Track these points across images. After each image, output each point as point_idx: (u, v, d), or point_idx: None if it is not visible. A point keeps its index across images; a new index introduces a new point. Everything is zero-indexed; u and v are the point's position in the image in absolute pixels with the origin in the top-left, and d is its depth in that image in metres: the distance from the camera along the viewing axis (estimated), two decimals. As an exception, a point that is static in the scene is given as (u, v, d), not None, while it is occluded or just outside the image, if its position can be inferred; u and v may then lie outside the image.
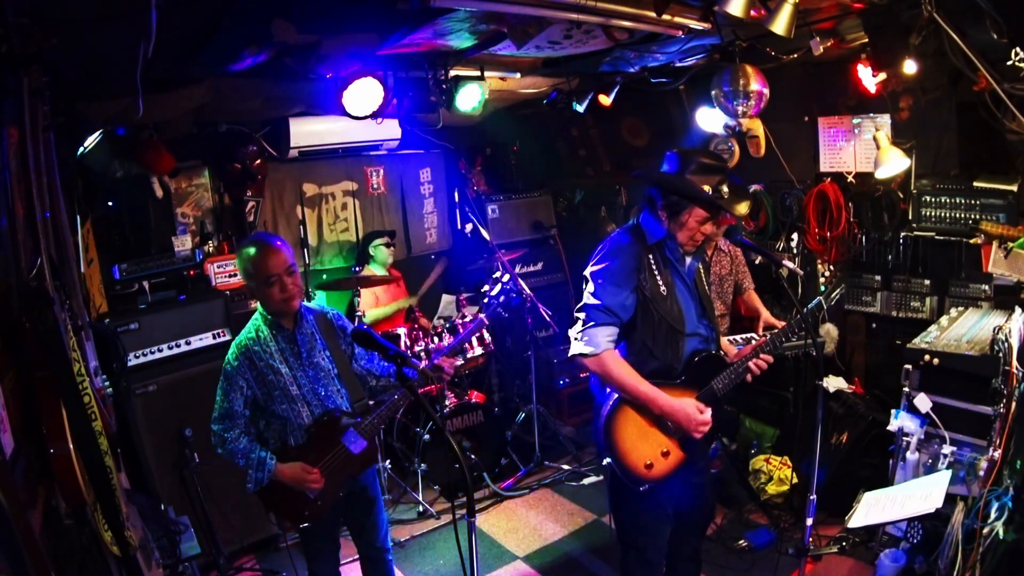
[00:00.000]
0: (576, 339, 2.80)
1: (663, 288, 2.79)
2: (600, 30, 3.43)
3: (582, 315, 2.80)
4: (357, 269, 5.64)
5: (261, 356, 2.88)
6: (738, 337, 4.22)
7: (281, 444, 2.96)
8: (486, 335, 5.26)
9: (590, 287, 2.81)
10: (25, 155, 2.02)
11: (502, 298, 3.58)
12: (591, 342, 2.76)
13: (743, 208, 2.89)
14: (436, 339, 5.09)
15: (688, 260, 2.91)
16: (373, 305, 5.40)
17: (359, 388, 3.10)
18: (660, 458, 2.84)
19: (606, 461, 2.86)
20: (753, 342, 3.15)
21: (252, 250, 2.87)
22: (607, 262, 2.81)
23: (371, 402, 3.14)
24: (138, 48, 2.48)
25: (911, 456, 3.62)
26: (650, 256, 2.81)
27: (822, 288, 3.08)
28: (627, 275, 2.76)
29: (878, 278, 4.55)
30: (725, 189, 2.76)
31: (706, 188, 2.74)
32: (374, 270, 5.53)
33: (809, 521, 2.82)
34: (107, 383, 2.97)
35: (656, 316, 2.78)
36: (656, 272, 2.80)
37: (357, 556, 3.36)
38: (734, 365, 2.88)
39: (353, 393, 3.07)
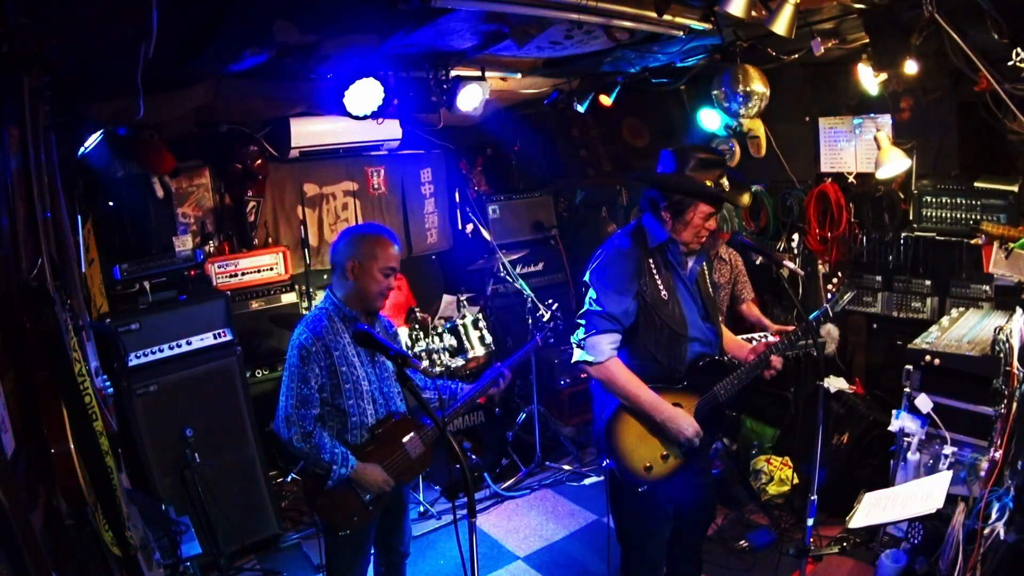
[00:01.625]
0: (579, 347, 2.80)
1: (664, 293, 2.78)
2: (601, 30, 3.43)
3: (584, 322, 2.79)
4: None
5: (335, 346, 2.78)
6: (741, 337, 4.22)
7: (339, 440, 2.84)
8: (487, 335, 5.26)
9: (591, 294, 2.80)
10: (26, 155, 2.02)
11: (552, 324, 3.63)
12: (594, 350, 2.75)
13: (745, 199, 2.90)
14: (437, 339, 5.09)
15: (690, 263, 2.90)
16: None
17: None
18: (659, 461, 2.84)
19: (606, 462, 2.86)
20: (754, 343, 3.15)
21: (381, 236, 2.87)
22: (608, 268, 2.80)
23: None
24: (139, 48, 2.48)
25: (912, 456, 3.62)
26: (651, 260, 2.80)
27: (829, 296, 3.07)
28: (628, 281, 2.75)
29: (879, 278, 4.55)
30: (725, 182, 2.76)
31: (707, 183, 2.74)
32: None
33: (810, 521, 2.81)
34: (108, 383, 2.97)
35: (658, 321, 2.78)
36: (657, 276, 2.79)
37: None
38: (737, 372, 2.88)
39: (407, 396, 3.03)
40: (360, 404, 2.83)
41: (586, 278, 2.87)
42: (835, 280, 3.08)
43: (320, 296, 5.42)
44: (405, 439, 2.92)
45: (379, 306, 2.91)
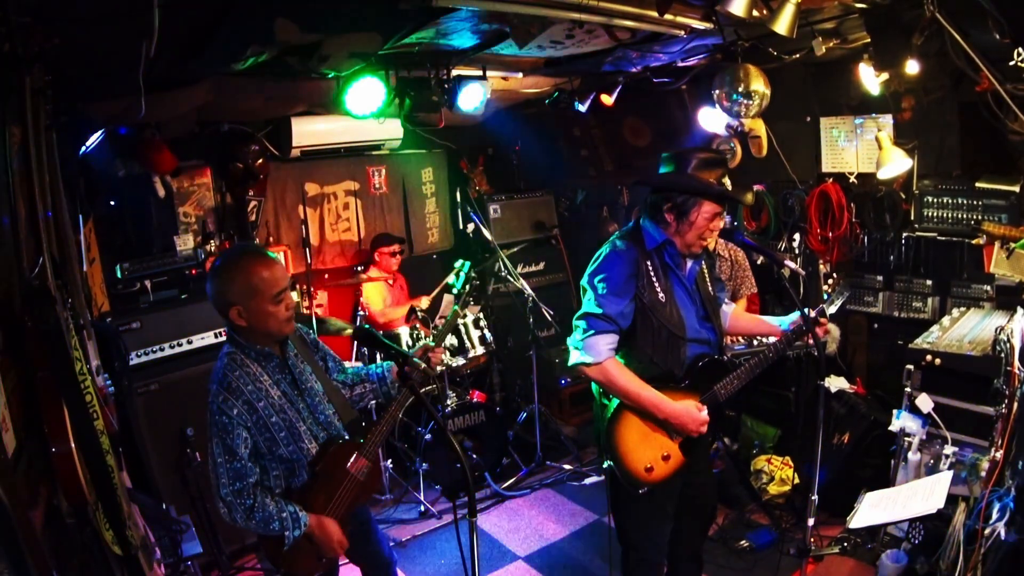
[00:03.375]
0: (576, 348, 2.79)
1: (661, 295, 2.77)
2: (602, 30, 3.43)
3: (582, 323, 2.78)
4: (359, 269, 5.66)
5: (259, 397, 2.46)
6: (741, 337, 4.22)
7: (285, 488, 2.59)
8: (488, 335, 5.27)
9: (589, 295, 2.80)
10: (27, 154, 2.02)
11: (467, 287, 3.65)
12: (592, 351, 2.74)
13: (749, 197, 2.88)
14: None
15: (689, 264, 2.88)
16: (381, 306, 5.44)
17: (345, 403, 2.78)
18: (660, 462, 2.83)
19: (606, 463, 2.86)
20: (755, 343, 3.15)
21: (251, 264, 2.44)
22: (605, 270, 2.79)
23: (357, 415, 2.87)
24: (140, 47, 2.48)
25: (913, 456, 3.61)
26: (648, 263, 2.78)
27: (825, 296, 3.07)
28: (625, 283, 2.74)
29: (880, 278, 4.55)
30: (727, 182, 2.75)
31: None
32: (376, 275, 5.54)
33: (810, 521, 2.81)
34: (109, 382, 2.97)
35: (655, 323, 2.77)
36: (654, 279, 2.77)
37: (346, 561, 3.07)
38: (737, 372, 2.87)
39: (341, 411, 2.73)
40: (301, 446, 2.54)
41: (584, 280, 2.86)
42: (831, 281, 3.08)
43: (321, 296, 5.49)
44: (348, 464, 2.63)
45: (288, 331, 2.55)
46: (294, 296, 2.59)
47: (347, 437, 2.69)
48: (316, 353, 2.81)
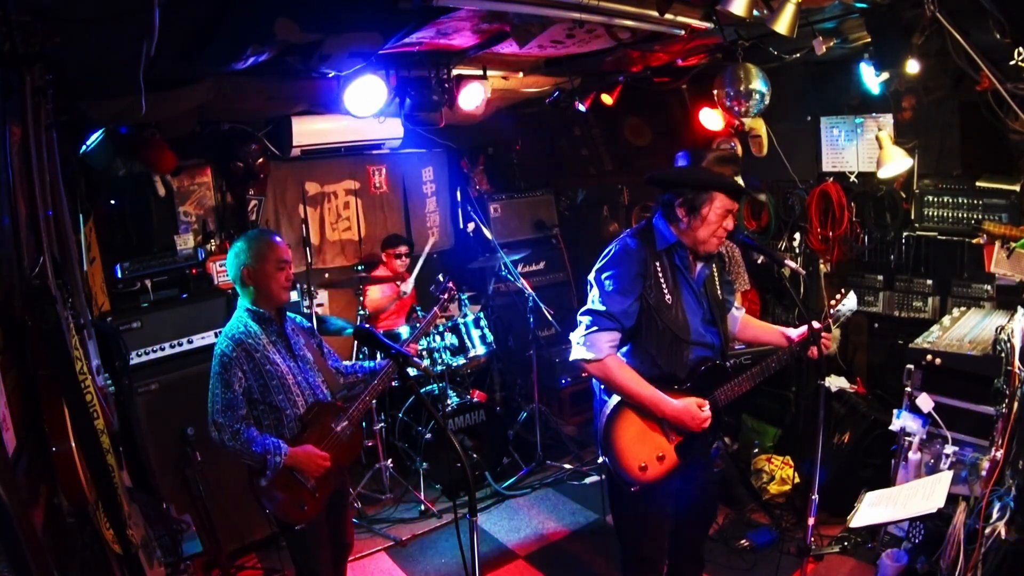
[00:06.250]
0: (578, 343, 2.78)
1: (668, 297, 2.76)
2: (603, 29, 3.43)
3: (585, 319, 2.78)
4: (360, 268, 5.66)
5: (256, 348, 2.90)
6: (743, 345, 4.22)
7: (276, 435, 2.93)
8: (488, 334, 5.27)
9: (595, 291, 2.79)
10: (28, 153, 2.02)
11: (445, 293, 4.08)
12: (593, 347, 2.74)
13: (761, 195, 2.86)
14: (439, 338, 5.10)
15: (699, 266, 2.86)
16: (378, 302, 5.46)
17: (333, 376, 3.20)
18: (655, 461, 2.83)
19: (601, 459, 2.86)
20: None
21: (264, 236, 3.03)
22: (613, 267, 2.77)
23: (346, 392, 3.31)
24: (141, 47, 2.48)
25: (913, 456, 3.62)
26: (657, 263, 2.76)
27: (832, 311, 3.02)
28: (632, 281, 2.73)
29: (880, 278, 4.54)
30: (739, 180, 2.74)
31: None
32: (382, 276, 5.54)
33: (811, 521, 2.81)
34: (109, 381, 2.98)
35: (660, 325, 2.75)
36: (662, 280, 2.76)
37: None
38: (739, 378, 2.86)
39: (329, 381, 3.15)
40: (290, 397, 2.95)
41: (591, 275, 2.85)
42: (838, 296, 3.04)
43: (322, 295, 5.50)
44: (334, 422, 3.04)
45: (285, 299, 3.02)
46: (294, 295, 2.89)
47: (331, 399, 3.11)
48: (313, 339, 3.24)
